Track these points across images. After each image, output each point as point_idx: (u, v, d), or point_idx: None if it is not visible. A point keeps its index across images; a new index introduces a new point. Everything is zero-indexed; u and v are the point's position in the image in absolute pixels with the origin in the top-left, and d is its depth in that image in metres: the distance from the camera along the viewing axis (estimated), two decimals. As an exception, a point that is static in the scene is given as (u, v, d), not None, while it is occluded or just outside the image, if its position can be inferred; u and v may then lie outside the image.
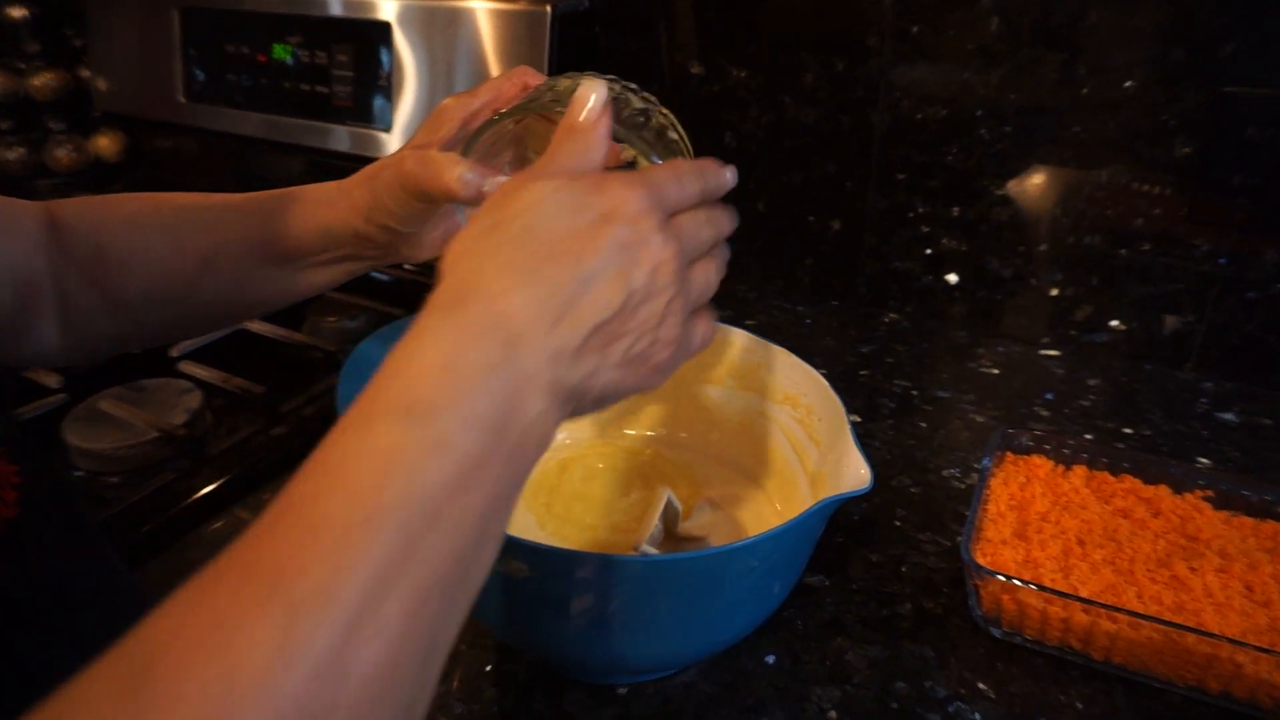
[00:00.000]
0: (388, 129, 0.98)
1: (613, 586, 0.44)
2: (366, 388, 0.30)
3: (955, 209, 0.86)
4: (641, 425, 0.68)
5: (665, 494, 0.48)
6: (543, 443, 0.32)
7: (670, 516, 0.50)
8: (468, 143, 0.47)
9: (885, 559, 0.60)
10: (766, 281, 0.97)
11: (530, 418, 0.31)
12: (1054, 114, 0.78)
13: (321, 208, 0.53)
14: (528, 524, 0.58)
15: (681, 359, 0.37)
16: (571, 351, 0.33)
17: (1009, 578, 0.51)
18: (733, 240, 0.41)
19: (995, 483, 0.60)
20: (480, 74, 0.92)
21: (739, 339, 0.64)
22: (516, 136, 0.48)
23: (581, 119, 0.38)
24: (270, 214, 0.55)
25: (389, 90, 0.97)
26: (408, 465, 0.27)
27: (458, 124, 0.49)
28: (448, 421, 0.29)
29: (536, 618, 0.46)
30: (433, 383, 0.29)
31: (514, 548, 0.43)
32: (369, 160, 0.98)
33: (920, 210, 0.87)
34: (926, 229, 0.87)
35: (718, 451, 0.66)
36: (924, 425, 0.75)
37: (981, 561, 0.53)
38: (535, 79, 0.49)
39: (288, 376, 0.77)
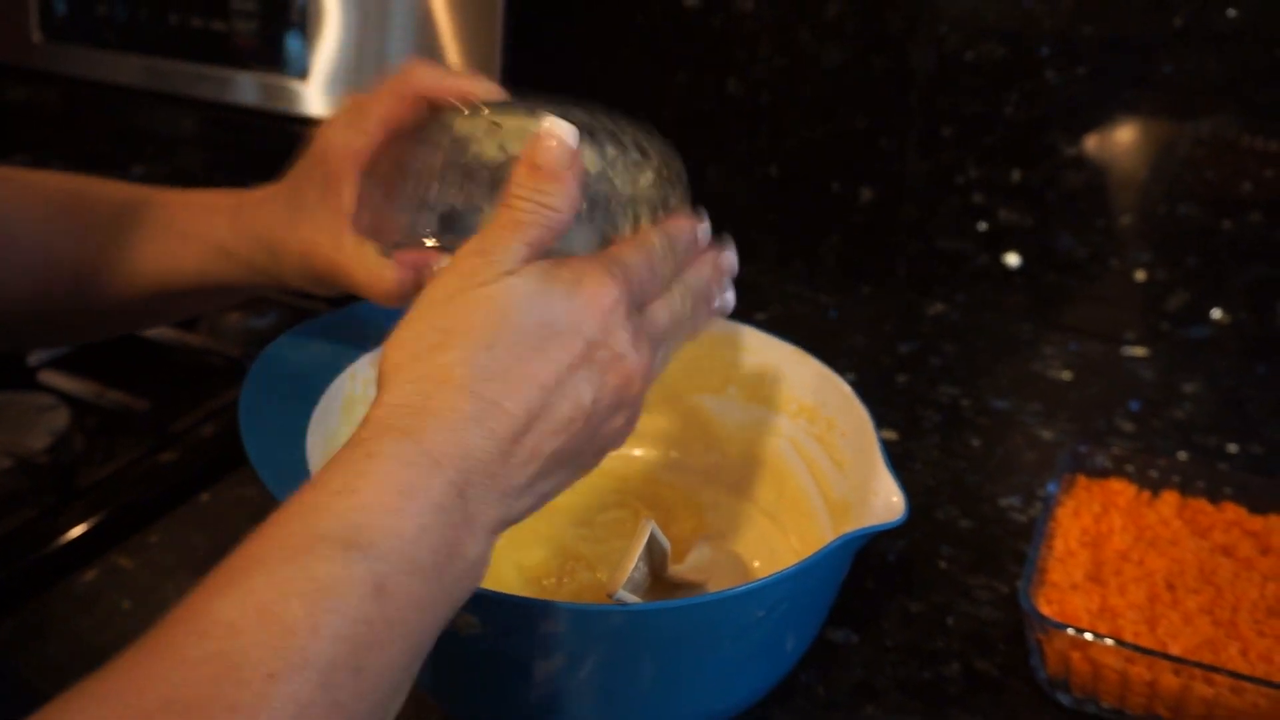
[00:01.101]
0: (303, 76, 0.98)
1: (585, 644, 0.44)
2: (301, 495, 0.34)
3: (1016, 172, 0.86)
4: (628, 442, 0.69)
5: (648, 527, 0.49)
6: (475, 583, 0.36)
7: (657, 555, 0.50)
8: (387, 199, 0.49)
9: (927, 609, 0.61)
10: (781, 264, 0.96)
11: (470, 560, 0.36)
12: (1140, 50, 0.79)
13: (205, 250, 0.56)
14: None
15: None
16: (520, 487, 0.38)
17: (1081, 631, 0.52)
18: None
19: (1064, 513, 0.61)
20: (421, 10, 0.92)
21: (745, 337, 0.64)
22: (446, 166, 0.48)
23: (546, 158, 0.41)
24: (147, 229, 0.57)
25: (304, 27, 0.96)
26: (342, 607, 0.31)
27: (353, 178, 0.50)
28: (391, 563, 0.33)
29: (489, 684, 0.46)
30: (379, 518, 0.33)
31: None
32: (280, 118, 0.99)
33: (972, 174, 0.88)
34: (980, 198, 0.88)
35: (718, 475, 0.67)
36: (976, 443, 0.75)
37: (1047, 611, 0.54)
38: (432, 79, 0.48)
39: (178, 388, 0.78)
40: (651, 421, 0.69)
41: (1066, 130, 0.83)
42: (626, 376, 0.40)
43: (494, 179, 0.43)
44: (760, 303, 0.91)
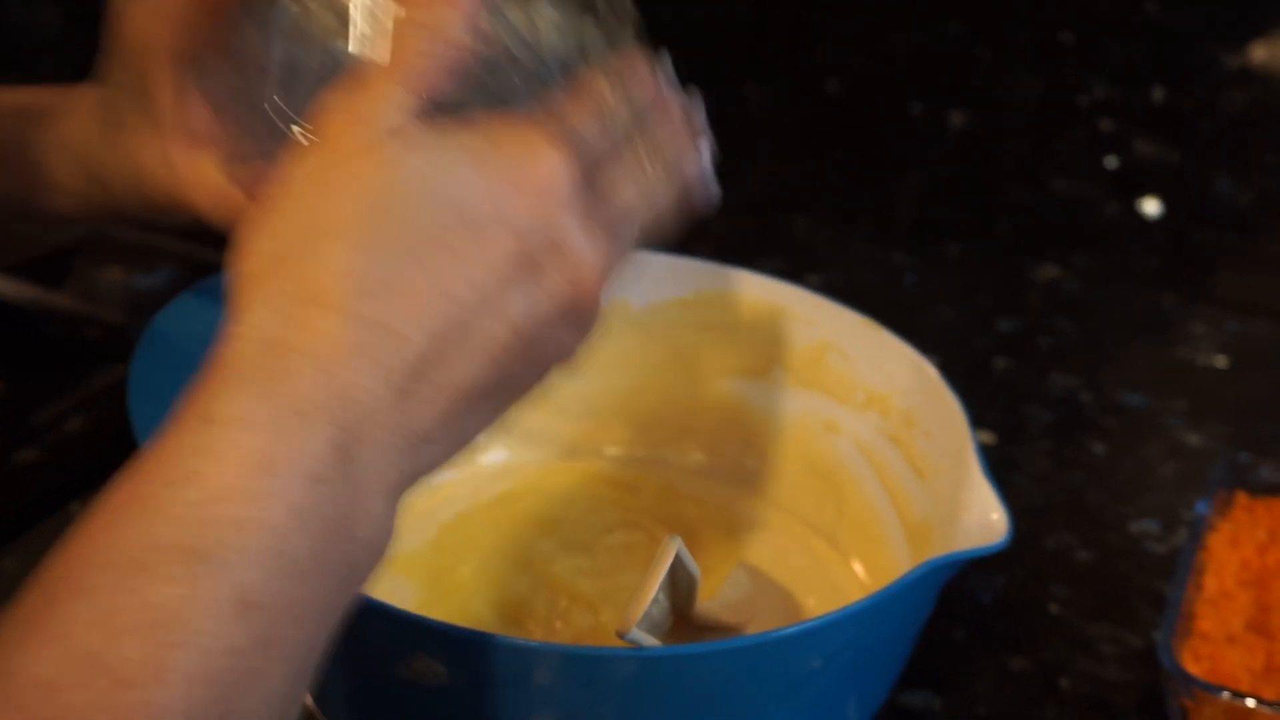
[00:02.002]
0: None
1: (585, 700, 0.44)
2: (127, 487, 0.33)
3: (1158, 92, 0.86)
4: (633, 440, 0.69)
5: (673, 547, 0.49)
6: (374, 564, 0.36)
7: (683, 587, 0.51)
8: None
9: (1034, 666, 0.61)
10: (843, 215, 0.96)
11: (364, 539, 0.35)
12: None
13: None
14: (413, 591, 0.59)
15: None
16: (431, 430, 0.36)
17: (1241, 696, 0.51)
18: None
19: (1218, 542, 0.61)
20: None
21: (796, 304, 0.64)
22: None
23: None
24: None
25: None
26: (195, 639, 0.30)
27: (168, 77, 0.50)
28: (255, 569, 0.32)
29: None
30: (233, 509, 0.32)
31: (424, 637, 0.43)
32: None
33: (1100, 95, 0.87)
34: (1109, 126, 0.87)
35: (758, 486, 0.67)
36: (1100, 450, 0.75)
37: (1195, 670, 0.54)
38: None
39: (40, 368, 0.77)
40: (670, 415, 0.69)
41: (1228, 36, 0.83)
42: (576, 277, 0.38)
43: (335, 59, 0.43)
44: (814, 263, 0.90)
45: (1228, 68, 0.84)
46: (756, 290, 0.66)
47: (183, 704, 0.30)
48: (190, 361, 0.52)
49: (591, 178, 0.39)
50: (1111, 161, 0.88)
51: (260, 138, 0.44)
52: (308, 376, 0.34)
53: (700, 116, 0.44)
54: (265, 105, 0.44)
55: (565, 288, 0.38)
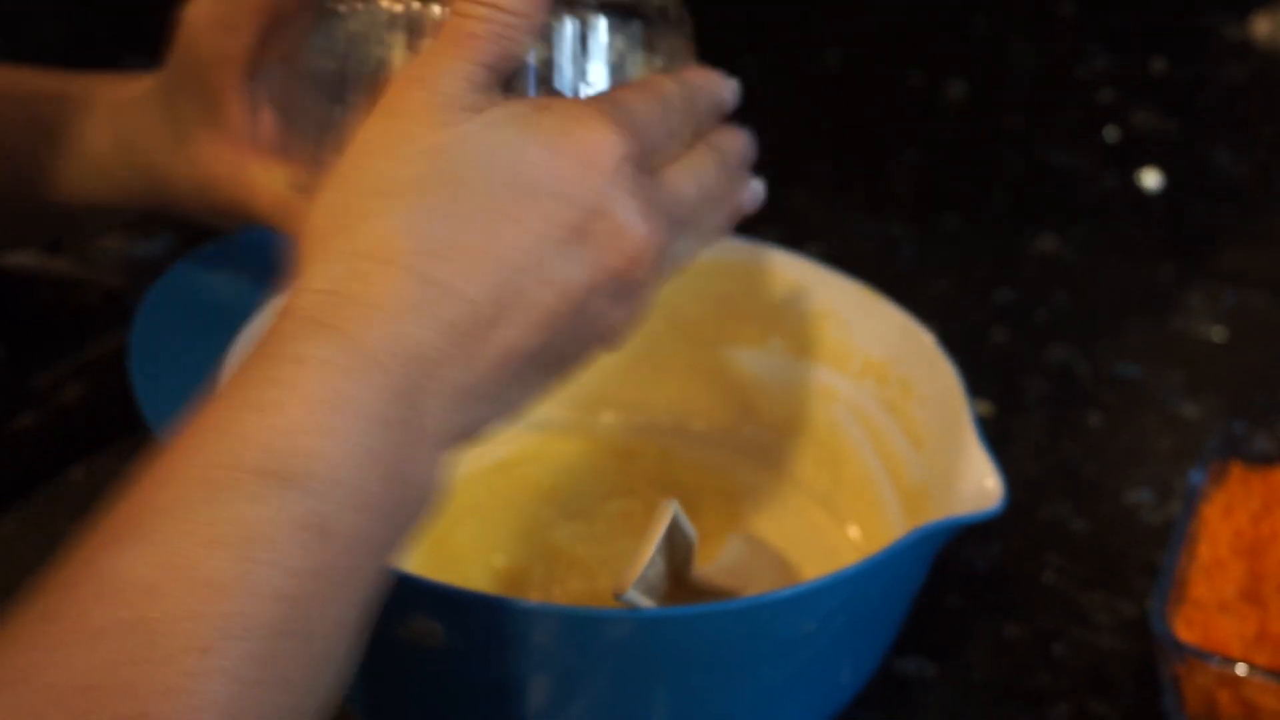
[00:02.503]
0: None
1: (581, 662, 0.45)
2: (211, 416, 0.35)
3: (1158, 64, 0.86)
4: (634, 407, 0.70)
5: (669, 510, 0.49)
6: (425, 513, 0.37)
7: (680, 550, 0.51)
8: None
9: (1029, 634, 0.61)
10: (839, 186, 0.96)
11: (420, 484, 0.37)
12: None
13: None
14: (411, 556, 0.58)
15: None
16: (484, 389, 0.38)
17: (1231, 662, 0.52)
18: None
19: (1211, 512, 0.62)
20: None
21: (792, 272, 0.64)
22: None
23: None
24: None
25: None
26: (282, 558, 0.32)
27: (237, 90, 0.52)
28: (334, 499, 0.34)
29: (456, 711, 0.47)
30: (314, 441, 0.34)
31: (423, 597, 0.43)
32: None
33: (1099, 65, 0.87)
34: (1109, 97, 0.87)
35: (756, 452, 0.67)
36: (1096, 421, 0.76)
37: (1188, 637, 0.54)
38: None
39: (40, 333, 0.77)
40: (668, 383, 0.69)
41: (1228, 8, 0.83)
42: (633, 255, 0.39)
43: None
44: (811, 233, 0.89)
45: (1228, 40, 0.84)
46: (755, 258, 0.66)
47: (270, 619, 0.31)
48: (189, 325, 0.55)
49: (649, 163, 0.41)
50: (1110, 133, 0.89)
51: (324, 146, 0.45)
52: (374, 326, 0.36)
53: (749, 140, 0.46)
54: (331, 113, 0.46)
55: (614, 258, 0.39)
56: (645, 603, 0.47)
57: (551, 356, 0.39)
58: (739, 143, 0.45)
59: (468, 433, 0.38)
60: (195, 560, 0.31)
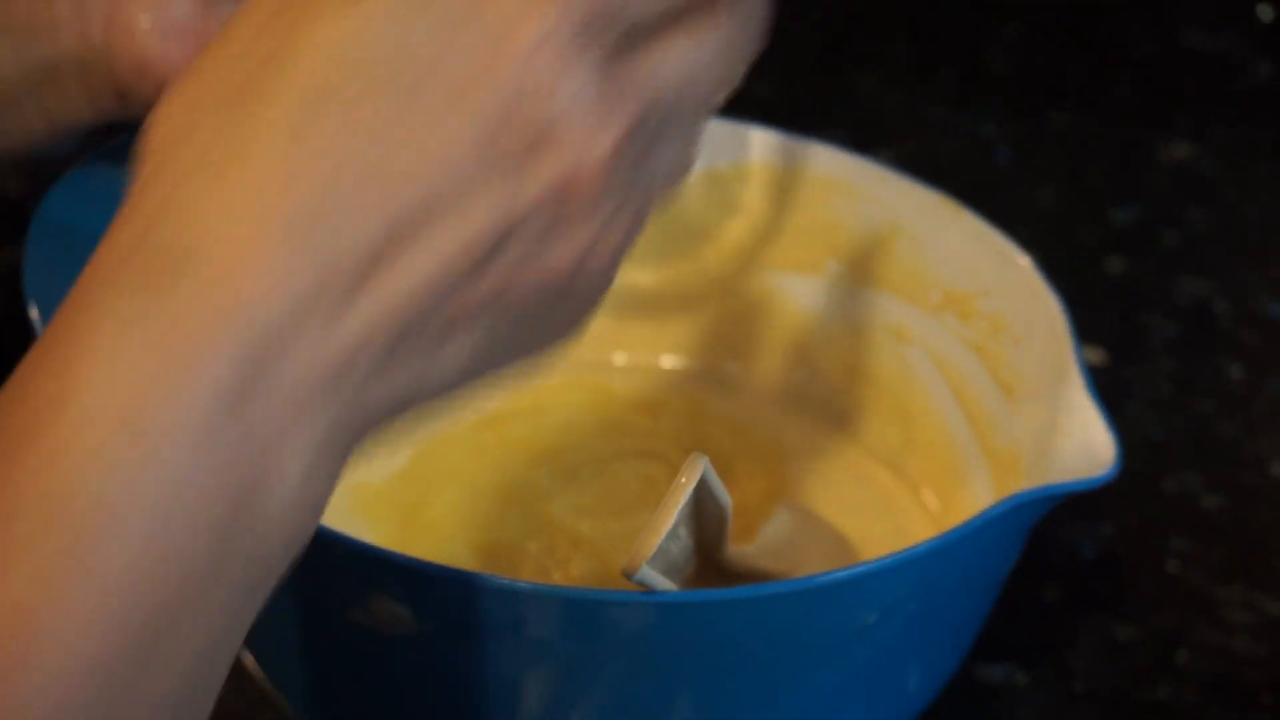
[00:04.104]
0: None
1: (583, 656, 0.43)
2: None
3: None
4: (651, 348, 0.66)
5: (698, 467, 0.47)
6: (296, 536, 0.33)
7: (710, 518, 0.49)
8: None
9: (1145, 635, 0.58)
10: (921, 73, 0.94)
11: (275, 509, 0.32)
12: None
13: None
14: (376, 531, 0.57)
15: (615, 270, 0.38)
16: (379, 351, 0.33)
17: None
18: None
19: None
20: None
21: (855, 179, 0.61)
22: None
23: None
24: None
25: None
26: (55, 651, 0.29)
27: None
28: (120, 548, 0.29)
29: (424, 715, 0.46)
30: (98, 463, 0.30)
31: (383, 573, 0.42)
32: None
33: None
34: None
35: (806, 404, 0.64)
36: (1238, 373, 0.72)
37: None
38: None
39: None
40: (697, 318, 0.66)
41: None
42: (570, 162, 0.34)
43: None
44: (881, 135, 0.86)
45: None
46: (807, 161, 0.62)
47: None
48: (94, 240, 0.52)
49: (608, 35, 0.35)
50: (1265, 11, 0.84)
51: None
52: (203, 281, 0.31)
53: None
54: None
55: (554, 175, 0.34)
56: (664, 584, 0.44)
57: (475, 311, 0.34)
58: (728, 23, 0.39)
59: (362, 424, 0.34)
60: None
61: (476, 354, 0.35)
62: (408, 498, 0.59)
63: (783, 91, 0.84)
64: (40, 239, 0.50)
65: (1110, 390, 0.61)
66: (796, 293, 0.63)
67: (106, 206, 0.53)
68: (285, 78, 0.33)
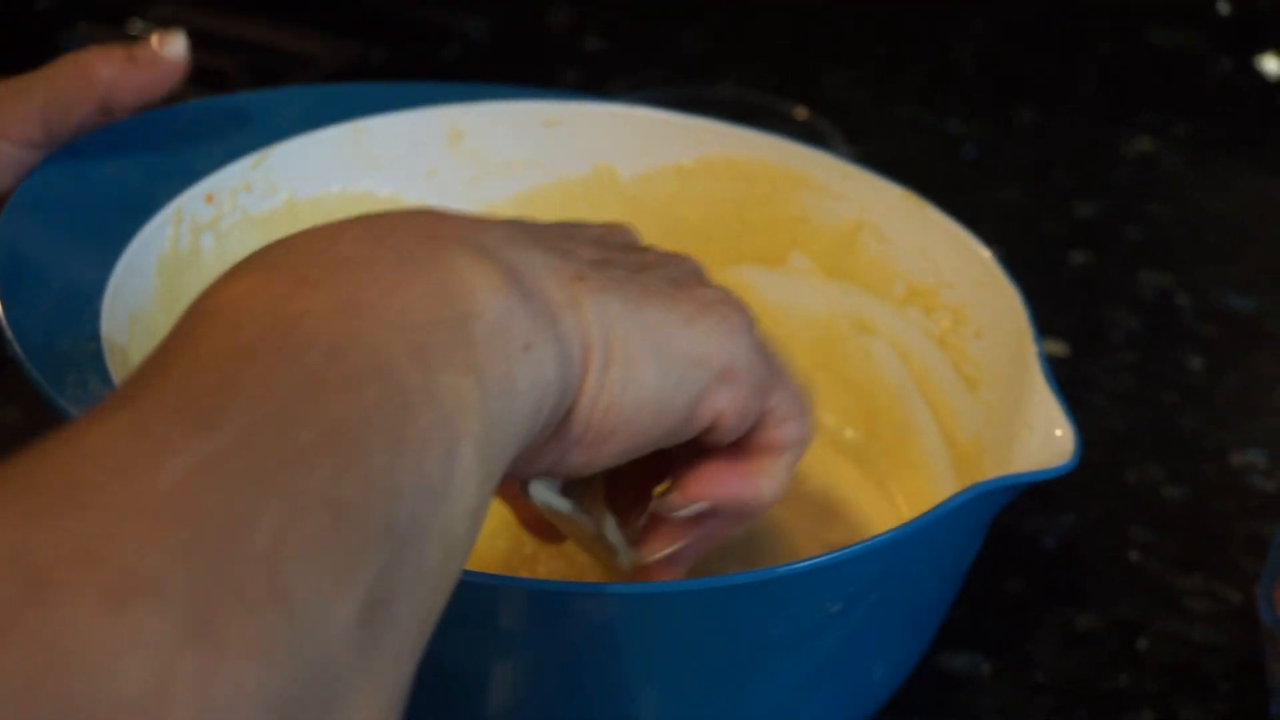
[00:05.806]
0: None
1: (544, 648, 0.43)
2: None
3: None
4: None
5: None
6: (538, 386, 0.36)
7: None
8: None
9: (1106, 625, 0.59)
10: (887, 70, 0.94)
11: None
12: None
13: None
14: None
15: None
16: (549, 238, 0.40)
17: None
18: None
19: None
20: None
21: (820, 174, 0.61)
22: None
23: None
24: None
25: None
26: (456, 495, 0.32)
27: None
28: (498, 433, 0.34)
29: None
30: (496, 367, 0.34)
31: None
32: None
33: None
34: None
35: None
36: (1198, 364, 0.73)
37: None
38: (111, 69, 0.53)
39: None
40: None
41: None
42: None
43: None
44: (851, 132, 0.86)
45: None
46: (773, 156, 0.62)
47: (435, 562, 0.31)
48: (68, 230, 0.52)
49: None
50: (1224, 7, 0.85)
51: None
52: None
53: None
54: None
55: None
56: (561, 504, 0.45)
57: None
58: None
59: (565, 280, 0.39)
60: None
61: (659, 296, 0.41)
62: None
63: (746, 85, 0.85)
64: (11, 234, 0.50)
65: (1073, 382, 0.63)
66: (762, 286, 0.63)
67: (86, 200, 0.53)
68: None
